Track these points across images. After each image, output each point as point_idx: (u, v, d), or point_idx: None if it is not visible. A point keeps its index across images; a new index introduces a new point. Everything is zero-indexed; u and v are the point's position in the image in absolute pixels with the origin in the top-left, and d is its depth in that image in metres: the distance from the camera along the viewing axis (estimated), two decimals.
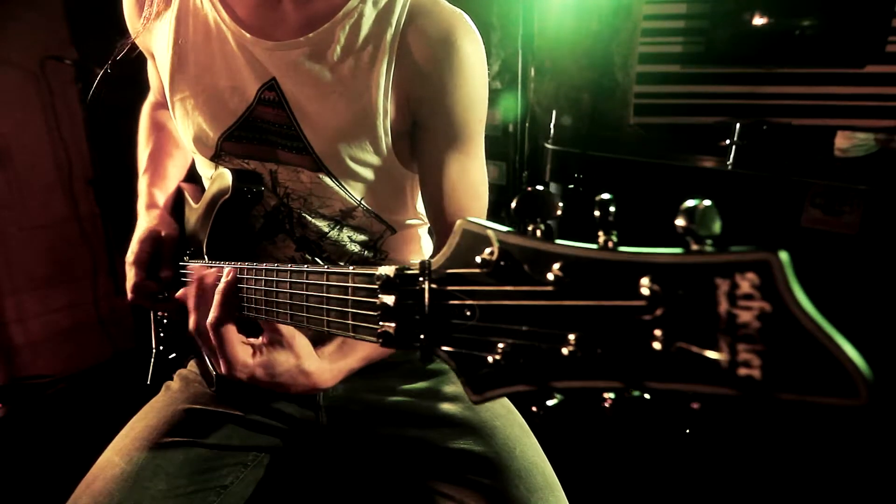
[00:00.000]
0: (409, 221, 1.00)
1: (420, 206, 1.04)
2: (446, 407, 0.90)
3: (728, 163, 2.10)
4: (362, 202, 0.92)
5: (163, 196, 1.05)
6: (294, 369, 0.70)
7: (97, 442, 0.89)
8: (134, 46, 0.97)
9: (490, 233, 0.37)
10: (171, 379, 1.01)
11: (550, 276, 0.33)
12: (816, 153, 2.17)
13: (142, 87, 1.14)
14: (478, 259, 0.37)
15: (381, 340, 0.45)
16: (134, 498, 0.78)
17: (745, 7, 2.47)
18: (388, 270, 0.45)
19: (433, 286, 0.41)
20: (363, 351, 0.80)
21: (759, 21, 2.46)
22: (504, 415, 0.89)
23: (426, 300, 0.42)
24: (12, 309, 2.25)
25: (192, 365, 1.02)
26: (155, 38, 0.92)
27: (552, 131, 2.55)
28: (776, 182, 1.93)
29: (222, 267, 0.74)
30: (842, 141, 2.11)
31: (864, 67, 2.37)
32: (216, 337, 0.68)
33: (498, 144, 2.68)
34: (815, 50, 2.40)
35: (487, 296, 0.38)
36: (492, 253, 0.37)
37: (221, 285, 0.70)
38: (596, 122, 2.76)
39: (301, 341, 0.71)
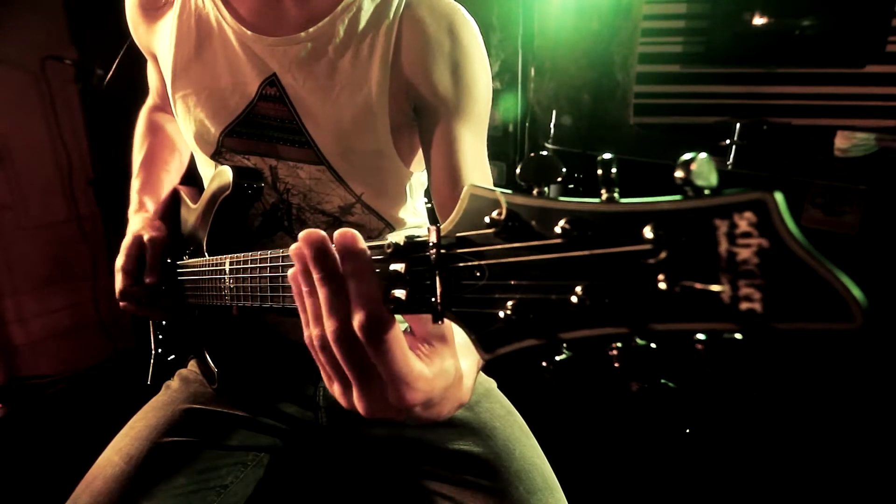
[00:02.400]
0: (408, 220, 1.00)
1: (420, 205, 1.04)
2: None
3: (728, 163, 2.10)
4: (361, 198, 0.92)
5: (152, 201, 1.04)
6: (455, 371, 0.51)
7: (97, 442, 0.89)
8: (134, 44, 0.97)
9: (498, 194, 0.39)
10: (171, 378, 1.01)
11: (558, 230, 0.34)
12: (816, 153, 2.17)
13: (142, 88, 1.14)
14: (486, 220, 0.38)
15: (391, 307, 0.44)
16: (134, 498, 0.78)
17: (745, 7, 2.46)
18: (397, 238, 0.46)
19: (442, 251, 0.42)
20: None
21: (759, 21, 2.46)
22: (504, 416, 0.89)
23: (436, 265, 0.42)
24: (12, 309, 2.25)
25: (192, 364, 1.02)
26: (157, 38, 0.93)
27: (552, 131, 2.55)
28: (776, 182, 1.93)
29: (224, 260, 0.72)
30: (842, 141, 2.10)
31: (864, 67, 2.37)
32: (375, 346, 0.43)
33: (498, 144, 2.68)
34: (815, 50, 2.40)
35: (496, 254, 0.39)
36: (500, 213, 0.38)
37: (347, 266, 0.44)
38: (596, 122, 2.76)
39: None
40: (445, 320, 0.43)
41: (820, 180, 1.85)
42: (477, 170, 0.85)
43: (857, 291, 0.25)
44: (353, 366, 0.45)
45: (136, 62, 1.03)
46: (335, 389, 0.49)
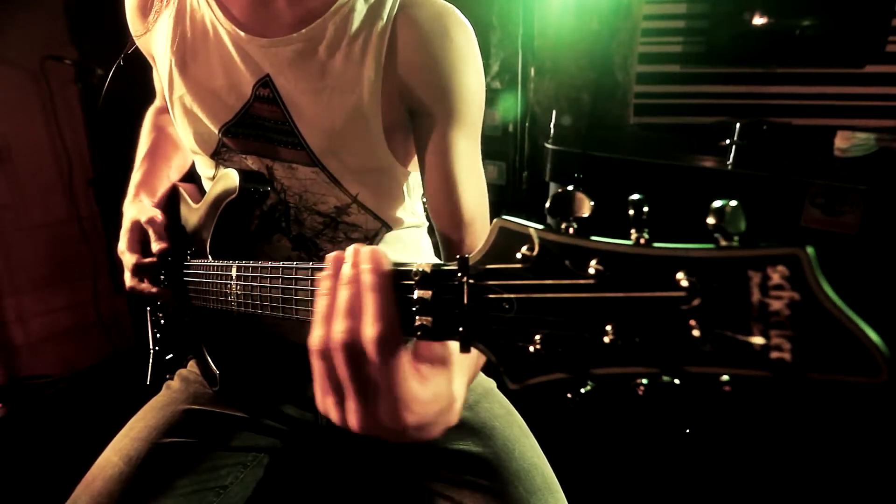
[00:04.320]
0: (405, 219, 1.00)
1: (418, 205, 1.04)
2: None
3: (728, 163, 2.09)
4: (357, 198, 0.92)
5: (148, 194, 1.03)
6: (449, 394, 0.51)
7: (97, 442, 0.89)
8: (135, 46, 0.97)
9: (531, 231, 0.40)
10: (171, 379, 1.01)
11: (591, 270, 0.36)
12: (816, 153, 2.17)
13: (142, 88, 1.14)
14: (518, 255, 0.40)
15: (419, 334, 0.46)
16: (133, 498, 0.78)
17: (745, 7, 2.46)
18: (424, 266, 0.47)
19: (471, 281, 0.43)
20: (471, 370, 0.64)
21: (759, 21, 2.46)
22: (503, 416, 0.89)
23: (465, 294, 0.43)
24: (12, 309, 2.25)
25: (192, 365, 1.02)
26: (155, 39, 0.93)
27: (552, 131, 2.55)
28: (776, 182, 1.93)
29: (230, 265, 0.72)
30: (842, 141, 2.10)
31: (864, 67, 2.37)
32: (384, 361, 0.43)
33: (498, 144, 2.68)
34: (815, 50, 2.40)
35: (527, 289, 0.40)
36: (531, 249, 0.39)
37: (371, 278, 0.45)
38: (596, 122, 2.76)
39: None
40: (453, 344, 0.44)
41: (820, 180, 1.84)
42: (470, 175, 0.85)
43: (884, 347, 0.27)
44: (354, 377, 0.45)
45: (136, 62, 1.03)
46: (328, 402, 0.48)
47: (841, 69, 2.42)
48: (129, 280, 0.95)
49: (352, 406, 0.46)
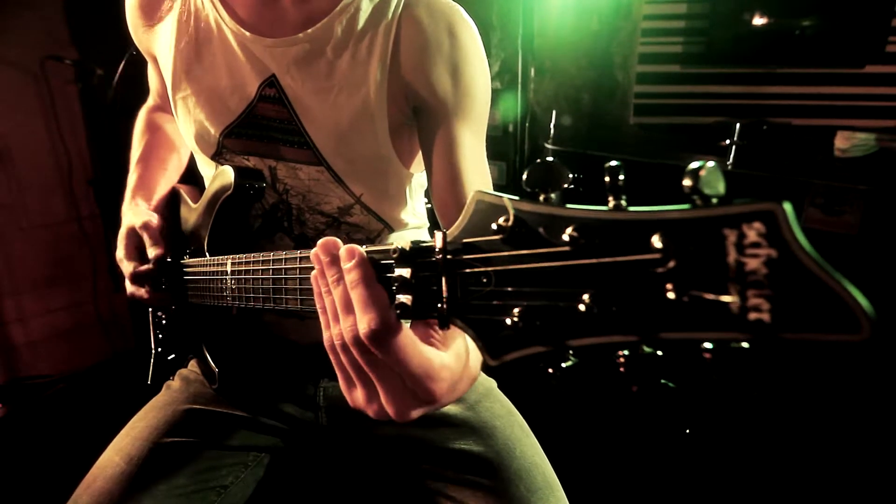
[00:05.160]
0: (407, 221, 1.00)
1: (420, 207, 1.04)
2: (446, 407, 0.90)
3: (728, 163, 2.10)
4: (360, 198, 0.92)
5: (144, 197, 1.02)
6: (466, 350, 0.53)
7: (97, 442, 0.89)
8: (138, 49, 0.97)
9: (505, 201, 0.39)
10: (172, 378, 1.01)
11: (566, 238, 0.35)
12: (816, 153, 2.17)
13: (142, 88, 1.14)
14: (493, 226, 0.39)
15: (398, 312, 0.45)
16: (134, 498, 0.78)
17: (745, 7, 2.47)
18: (403, 243, 0.46)
19: (449, 256, 0.42)
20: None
21: (759, 21, 2.46)
22: (504, 415, 0.90)
23: (443, 271, 0.43)
24: (12, 309, 2.25)
25: (192, 364, 1.02)
26: (157, 40, 0.93)
27: (552, 131, 2.55)
28: (776, 182, 1.93)
29: (225, 261, 0.73)
30: (842, 141, 2.11)
31: (864, 67, 2.37)
32: (384, 352, 0.45)
33: (498, 144, 2.68)
34: (815, 50, 2.40)
35: (504, 261, 0.39)
36: (507, 220, 0.38)
37: (353, 274, 0.46)
38: (596, 122, 2.76)
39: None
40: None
41: (820, 180, 1.85)
42: (476, 171, 0.85)
43: (865, 302, 0.25)
44: (372, 367, 0.47)
45: (136, 62, 1.03)
46: (359, 397, 0.50)
47: (841, 69, 2.42)
48: (128, 287, 0.95)
49: (383, 396, 0.47)
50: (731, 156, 2.10)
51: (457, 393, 0.51)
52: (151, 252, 0.91)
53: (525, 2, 2.51)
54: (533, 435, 0.89)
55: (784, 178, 1.93)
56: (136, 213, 0.97)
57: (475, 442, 0.84)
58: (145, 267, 0.92)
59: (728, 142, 2.11)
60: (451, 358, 0.49)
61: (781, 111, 2.55)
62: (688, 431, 1.79)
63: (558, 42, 2.72)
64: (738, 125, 2.10)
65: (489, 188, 0.88)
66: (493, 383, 0.98)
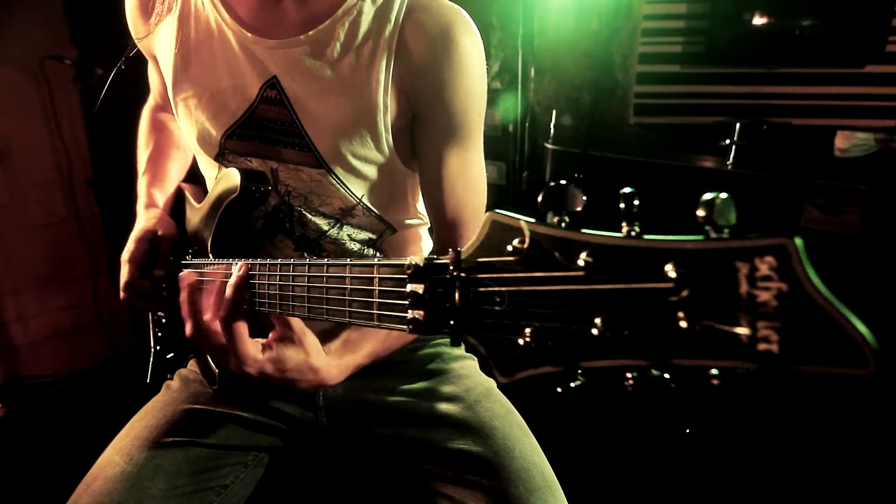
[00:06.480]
0: (409, 221, 1.00)
1: (421, 206, 1.04)
2: (445, 407, 0.90)
3: (728, 163, 2.10)
4: (362, 200, 0.92)
5: (162, 197, 1.05)
6: (303, 364, 0.70)
7: (97, 442, 0.89)
8: (137, 48, 0.97)
9: (522, 223, 0.40)
10: (171, 378, 1.01)
11: (580, 262, 0.36)
12: (816, 153, 2.17)
13: (142, 88, 1.14)
14: (508, 248, 0.39)
15: (410, 327, 0.47)
16: (134, 497, 0.78)
17: (745, 7, 2.46)
18: (417, 260, 0.47)
19: (462, 274, 0.43)
20: (369, 346, 0.80)
21: (759, 21, 2.46)
22: (503, 415, 0.89)
23: (456, 288, 0.43)
24: (12, 309, 2.25)
25: (192, 364, 1.02)
26: (157, 40, 0.93)
27: (552, 131, 2.55)
28: (776, 182, 1.93)
29: (230, 263, 0.74)
30: (842, 141, 2.10)
31: (864, 67, 2.37)
32: (227, 332, 0.68)
33: (498, 144, 2.68)
34: (815, 50, 2.40)
35: (517, 282, 0.40)
36: (522, 242, 0.39)
37: (233, 279, 0.69)
38: (596, 122, 2.76)
39: (310, 338, 0.71)
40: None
41: (820, 180, 1.85)
42: (462, 179, 0.86)
43: (871, 337, 0.26)
44: (216, 342, 0.72)
45: (136, 62, 1.03)
46: (212, 356, 0.85)
47: (841, 69, 2.42)
48: (122, 292, 0.96)
49: (220, 358, 0.73)
50: (731, 156, 2.10)
51: (285, 382, 0.72)
52: (157, 271, 0.95)
53: (525, 2, 2.51)
54: (532, 435, 0.89)
55: (784, 178, 1.93)
56: (157, 219, 0.99)
57: (474, 442, 0.84)
58: (146, 283, 0.95)
59: (728, 142, 2.11)
60: (261, 358, 0.69)
61: (781, 111, 2.55)
62: (688, 431, 1.79)
63: (558, 42, 2.71)
64: (738, 125, 2.10)
65: (482, 201, 0.91)
66: (492, 383, 0.98)
